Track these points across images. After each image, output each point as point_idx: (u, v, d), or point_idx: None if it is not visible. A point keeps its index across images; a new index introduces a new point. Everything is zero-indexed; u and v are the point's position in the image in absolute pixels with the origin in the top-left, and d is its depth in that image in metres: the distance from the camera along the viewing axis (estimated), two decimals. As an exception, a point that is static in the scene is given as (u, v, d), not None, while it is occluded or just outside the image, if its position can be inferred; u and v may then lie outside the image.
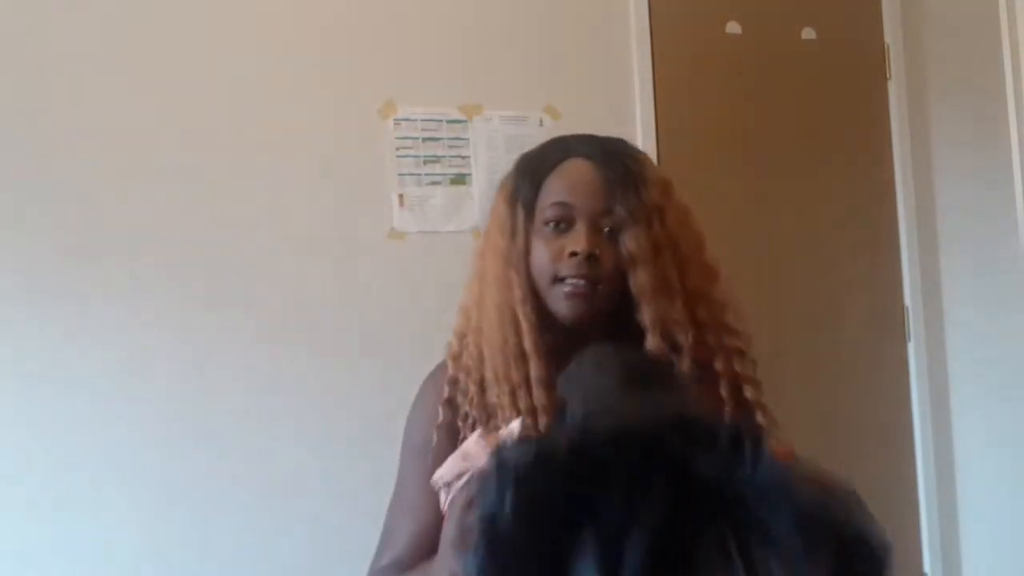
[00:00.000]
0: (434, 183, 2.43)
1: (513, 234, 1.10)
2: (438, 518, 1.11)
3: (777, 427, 1.12)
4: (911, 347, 2.94)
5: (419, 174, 2.42)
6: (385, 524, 1.21)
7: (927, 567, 2.88)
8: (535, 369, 1.06)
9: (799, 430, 3.26)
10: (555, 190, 1.09)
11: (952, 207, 2.90)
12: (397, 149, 2.40)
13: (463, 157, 2.45)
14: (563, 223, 1.08)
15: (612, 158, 1.10)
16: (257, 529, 2.20)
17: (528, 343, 1.07)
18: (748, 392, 1.11)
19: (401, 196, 2.40)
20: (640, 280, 1.06)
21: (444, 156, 2.44)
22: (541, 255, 1.08)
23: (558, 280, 1.07)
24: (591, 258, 1.05)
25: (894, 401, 2.94)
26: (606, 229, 1.07)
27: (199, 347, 2.19)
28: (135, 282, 2.14)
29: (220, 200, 2.23)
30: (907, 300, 2.95)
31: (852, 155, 2.95)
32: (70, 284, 2.10)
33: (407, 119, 2.41)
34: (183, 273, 2.19)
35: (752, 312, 3.12)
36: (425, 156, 2.42)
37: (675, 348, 1.07)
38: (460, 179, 2.43)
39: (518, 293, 1.08)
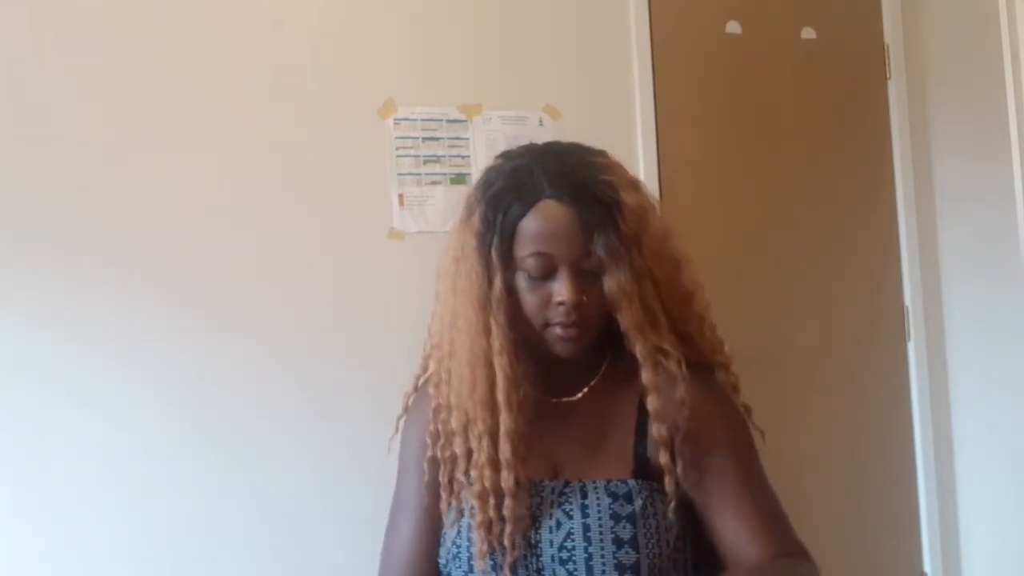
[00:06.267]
0: (434, 183, 2.43)
1: (490, 282, 1.07)
2: (431, 545, 1.16)
3: (761, 434, 1.18)
4: (911, 347, 2.94)
5: (419, 174, 2.42)
6: (383, 542, 1.22)
7: (927, 567, 2.88)
8: (505, 422, 1.07)
9: (799, 430, 3.26)
10: (532, 240, 1.06)
11: (952, 207, 2.90)
12: (397, 149, 2.40)
13: (463, 157, 2.45)
14: (545, 270, 1.06)
15: (583, 193, 1.06)
16: (256, 534, 2.20)
17: (501, 395, 1.07)
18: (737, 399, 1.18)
19: (401, 196, 2.40)
20: (627, 319, 1.07)
21: (444, 156, 2.44)
22: (529, 302, 1.07)
23: (549, 325, 1.08)
24: (579, 304, 1.06)
25: (894, 401, 2.94)
26: (588, 269, 1.07)
27: (196, 348, 2.18)
28: (131, 283, 2.14)
29: (218, 201, 2.23)
30: (907, 300, 2.95)
31: (852, 155, 2.95)
32: (66, 285, 2.10)
33: (407, 119, 2.41)
34: (180, 273, 2.18)
35: (752, 312, 3.11)
36: (425, 156, 2.43)
37: (670, 375, 1.10)
38: (460, 179, 2.43)
39: (496, 344, 1.07)
